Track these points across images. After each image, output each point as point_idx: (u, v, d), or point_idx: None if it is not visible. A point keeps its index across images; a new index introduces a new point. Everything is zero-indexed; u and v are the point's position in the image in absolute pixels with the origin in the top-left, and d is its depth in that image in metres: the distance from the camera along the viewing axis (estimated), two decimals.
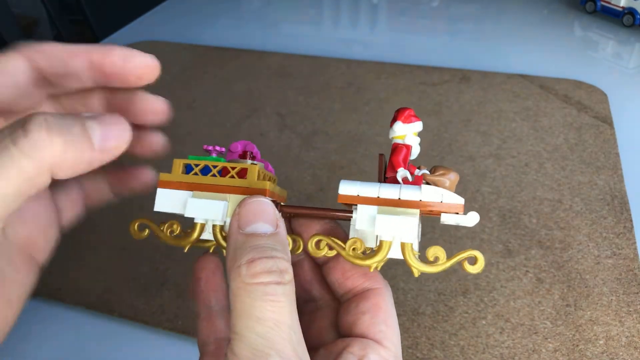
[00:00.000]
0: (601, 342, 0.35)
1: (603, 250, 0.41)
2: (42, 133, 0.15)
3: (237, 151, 0.25)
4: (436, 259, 0.21)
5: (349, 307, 0.23)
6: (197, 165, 0.23)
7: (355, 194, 0.22)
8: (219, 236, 0.22)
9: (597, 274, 0.39)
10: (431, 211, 0.22)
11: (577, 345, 0.35)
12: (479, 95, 0.63)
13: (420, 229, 0.23)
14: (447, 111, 0.60)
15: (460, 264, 0.21)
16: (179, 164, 0.24)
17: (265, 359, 0.16)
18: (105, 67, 0.21)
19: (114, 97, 0.23)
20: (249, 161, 0.24)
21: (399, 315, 0.37)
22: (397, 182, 0.23)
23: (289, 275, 0.18)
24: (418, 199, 0.22)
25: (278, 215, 0.20)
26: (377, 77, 0.67)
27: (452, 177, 0.23)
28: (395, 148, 0.23)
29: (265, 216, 0.20)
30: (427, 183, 0.22)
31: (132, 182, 0.26)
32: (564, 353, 0.34)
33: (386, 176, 0.23)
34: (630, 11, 0.78)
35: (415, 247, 0.22)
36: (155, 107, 0.24)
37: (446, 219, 0.21)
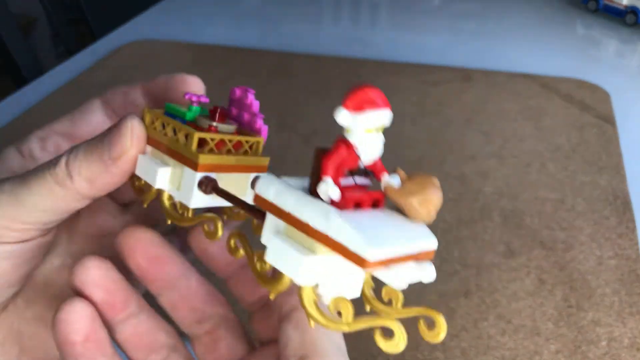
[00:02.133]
0: (603, 343, 0.34)
1: (605, 251, 0.41)
2: (62, 166, 0.19)
3: (234, 97, 0.20)
4: (339, 313, 0.16)
5: (267, 316, 0.21)
6: (212, 140, 0.20)
7: (270, 199, 0.16)
8: (165, 204, 0.19)
9: (599, 274, 0.39)
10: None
11: (580, 347, 0.34)
12: (481, 94, 0.62)
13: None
14: (449, 110, 0.59)
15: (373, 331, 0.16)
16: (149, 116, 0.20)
17: None
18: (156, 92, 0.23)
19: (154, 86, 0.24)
20: (216, 123, 0.20)
21: None
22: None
23: None
24: (324, 231, 0.15)
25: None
26: (377, 76, 0.66)
27: (429, 197, 0.16)
28: (333, 146, 0.16)
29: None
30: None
31: None
32: (566, 354, 0.34)
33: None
34: (633, 10, 0.77)
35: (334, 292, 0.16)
36: (195, 87, 0.24)
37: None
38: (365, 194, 0.16)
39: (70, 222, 0.23)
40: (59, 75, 0.71)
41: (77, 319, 0.18)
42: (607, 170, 0.49)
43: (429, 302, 0.37)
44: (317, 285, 0.16)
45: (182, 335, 0.22)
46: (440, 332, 0.15)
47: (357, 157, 0.16)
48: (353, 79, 0.66)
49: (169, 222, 0.20)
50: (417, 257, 0.16)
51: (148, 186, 0.20)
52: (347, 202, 0.15)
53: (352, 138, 0.16)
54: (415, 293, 0.38)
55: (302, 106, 0.61)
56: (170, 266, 0.21)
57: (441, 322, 0.16)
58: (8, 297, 0.21)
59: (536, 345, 0.34)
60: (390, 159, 0.56)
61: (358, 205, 0.16)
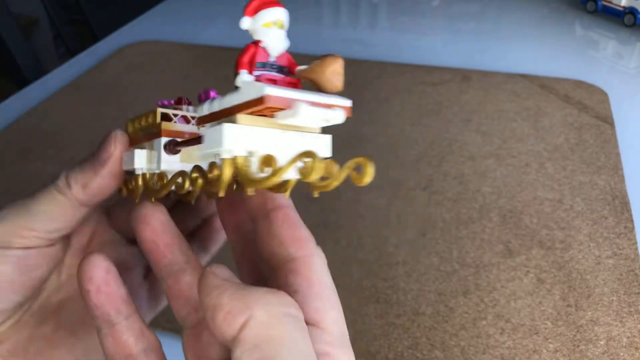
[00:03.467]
0: (602, 342, 0.35)
1: (604, 251, 0.41)
2: (62, 179, 0.22)
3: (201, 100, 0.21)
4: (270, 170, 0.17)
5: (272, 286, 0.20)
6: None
7: (205, 113, 0.19)
8: (144, 183, 0.21)
9: (597, 274, 0.39)
10: (262, 112, 0.17)
11: (578, 346, 0.34)
12: (480, 95, 0.62)
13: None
14: (448, 111, 0.60)
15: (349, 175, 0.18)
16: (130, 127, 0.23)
17: None
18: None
19: None
20: (185, 107, 0.22)
21: (398, 316, 0.37)
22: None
23: None
24: (238, 100, 0.17)
25: None
26: (377, 76, 0.67)
27: (331, 66, 0.17)
28: (243, 48, 0.19)
29: (226, 273, 0.19)
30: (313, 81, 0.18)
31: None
32: (565, 353, 0.34)
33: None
34: (631, 11, 0.78)
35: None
36: None
37: (282, 117, 0.17)
38: (280, 78, 0.18)
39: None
40: (60, 76, 0.71)
41: (91, 269, 0.20)
42: (606, 170, 0.49)
43: (428, 300, 0.38)
44: (248, 157, 0.17)
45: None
46: (365, 175, 0.17)
47: (266, 52, 0.18)
48: (353, 79, 0.66)
49: (152, 199, 0.21)
50: (329, 106, 0.18)
51: (135, 182, 0.22)
52: (263, 81, 0.17)
53: (257, 36, 0.19)
54: (415, 293, 0.38)
55: None
56: (178, 249, 0.21)
57: (368, 166, 0.17)
58: (13, 305, 0.22)
59: (535, 345, 0.35)
60: (390, 159, 0.57)
61: (274, 82, 0.18)
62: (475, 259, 0.41)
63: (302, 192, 0.53)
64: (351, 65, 0.70)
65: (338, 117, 0.18)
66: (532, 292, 0.38)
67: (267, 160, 0.17)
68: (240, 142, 0.17)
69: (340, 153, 0.60)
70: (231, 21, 0.88)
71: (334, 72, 0.18)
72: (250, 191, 0.17)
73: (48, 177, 0.54)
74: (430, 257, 0.41)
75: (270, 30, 0.19)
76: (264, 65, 0.18)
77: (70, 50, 0.98)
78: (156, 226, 0.21)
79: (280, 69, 0.19)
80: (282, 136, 0.18)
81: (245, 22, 0.19)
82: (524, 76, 0.66)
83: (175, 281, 0.21)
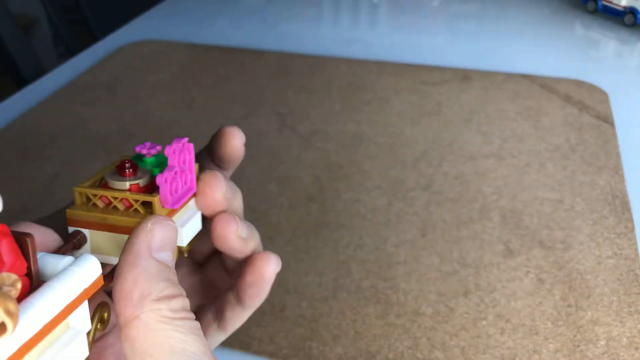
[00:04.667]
0: (602, 342, 0.35)
1: (604, 251, 0.41)
2: None
3: (172, 163, 0.20)
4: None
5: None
6: (95, 196, 0.19)
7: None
8: None
9: (598, 274, 0.39)
10: None
11: (578, 346, 0.34)
12: (480, 94, 0.62)
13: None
14: (448, 111, 0.59)
15: None
16: (78, 194, 0.20)
17: None
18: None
19: None
20: (110, 179, 0.20)
21: (399, 316, 0.37)
22: None
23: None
24: None
25: None
26: (377, 76, 0.67)
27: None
28: None
29: (172, 245, 0.18)
30: None
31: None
32: (565, 354, 0.34)
33: None
34: (632, 10, 0.78)
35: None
36: (234, 138, 0.25)
37: None
38: None
39: None
40: (59, 76, 0.71)
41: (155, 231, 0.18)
42: (606, 170, 0.49)
43: (428, 300, 0.38)
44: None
45: None
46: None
47: None
48: (353, 79, 0.66)
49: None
50: None
51: None
52: None
53: None
54: (415, 293, 0.38)
55: (302, 106, 0.61)
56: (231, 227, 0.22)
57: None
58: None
59: (535, 345, 0.35)
60: (390, 159, 0.57)
61: None
62: (475, 259, 0.41)
63: (302, 192, 0.53)
64: (351, 65, 0.69)
65: None
66: (533, 292, 0.38)
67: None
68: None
69: (340, 153, 0.60)
70: (231, 21, 0.88)
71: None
72: None
73: (47, 177, 0.54)
74: (431, 258, 0.41)
75: None
76: None
77: (70, 50, 0.97)
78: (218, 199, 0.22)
79: None
80: None
81: None
82: (524, 76, 0.66)
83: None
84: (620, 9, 0.79)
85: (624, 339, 0.35)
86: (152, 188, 0.20)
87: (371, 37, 0.82)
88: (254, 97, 0.64)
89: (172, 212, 0.20)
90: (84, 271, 0.15)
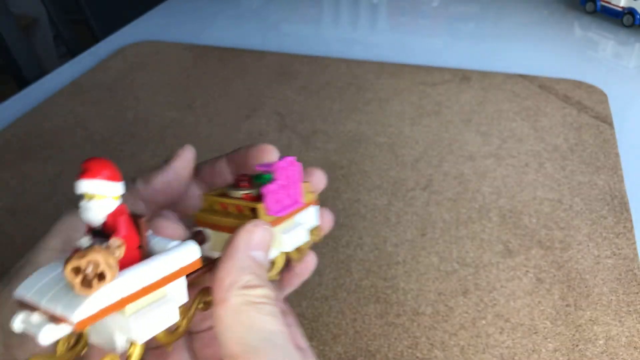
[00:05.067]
0: (601, 342, 0.35)
1: (603, 250, 0.41)
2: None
3: (278, 177, 0.23)
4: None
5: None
6: (215, 202, 0.24)
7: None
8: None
9: (597, 274, 0.39)
10: None
11: (577, 345, 0.35)
12: (479, 95, 0.63)
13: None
14: (447, 111, 0.60)
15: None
16: (204, 200, 0.24)
17: None
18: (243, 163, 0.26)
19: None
20: (229, 190, 0.23)
21: (398, 315, 0.37)
22: None
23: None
24: None
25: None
26: (377, 77, 0.67)
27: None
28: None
29: (266, 247, 0.21)
30: None
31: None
32: (564, 353, 0.34)
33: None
34: (630, 11, 0.78)
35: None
36: (270, 154, 0.27)
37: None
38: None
39: None
40: (60, 76, 0.71)
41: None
42: (605, 170, 0.49)
43: (428, 300, 0.38)
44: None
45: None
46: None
47: (86, 222, 0.18)
48: (353, 79, 0.66)
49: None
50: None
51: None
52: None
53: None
54: (415, 293, 0.38)
55: (302, 106, 0.61)
56: None
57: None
58: None
59: (534, 344, 0.35)
60: (390, 159, 0.57)
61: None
62: (474, 258, 0.41)
63: None
64: (351, 66, 0.70)
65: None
66: (532, 292, 0.38)
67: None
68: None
69: (340, 153, 0.60)
70: (231, 22, 0.88)
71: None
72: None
73: (48, 177, 0.54)
74: (430, 257, 0.41)
75: (84, 203, 0.18)
76: (95, 234, 0.18)
77: (71, 51, 0.98)
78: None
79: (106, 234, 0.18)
80: None
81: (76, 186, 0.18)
82: (523, 76, 0.66)
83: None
84: (619, 9, 0.79)
85: (623, 339, 0.35)
86: (261, 199, 0.23)
87: (371, 37, 0.82)
88: (254, 97, 0.64)
89: (277, 221, 0.22)
90: (184, 253, 0.19)
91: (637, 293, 0.38)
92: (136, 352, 0.18)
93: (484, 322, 0.36)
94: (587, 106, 0.59)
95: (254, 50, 0.75)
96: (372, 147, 0.54)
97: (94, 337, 0.19)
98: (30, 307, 0.17)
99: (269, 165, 0.23)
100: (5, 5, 0.80)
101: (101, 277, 0.16)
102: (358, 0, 0.95)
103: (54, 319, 0.16)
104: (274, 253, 0.23)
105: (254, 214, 0.22)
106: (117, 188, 0.18)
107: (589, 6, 0.85)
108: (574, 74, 0.66)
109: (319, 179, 0.26)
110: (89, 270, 0.16)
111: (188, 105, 0.62)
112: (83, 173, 0.18)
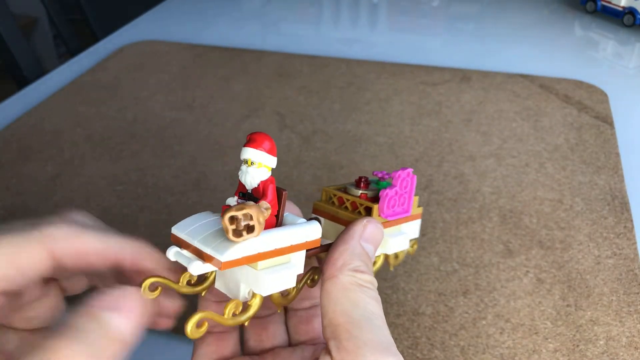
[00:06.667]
0: (602, 342, 0.35)
1: (603, 251, 0.41)
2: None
3: (395, 184, 0.25)
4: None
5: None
6: (334, 195, 0.26)
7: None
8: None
9: (597, 274, 0.39)
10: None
11: (578, 346, 0.35)
12: (480, 95, 0.63)
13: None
14: (448, 111, 0.60)
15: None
16: (324, 192, 0.27)
17: (380, 338, 0.19)
18: (130, 269, 0.24)
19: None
20: (349, 188, 0.26)
21: (398, 315, 0.37)
22: None
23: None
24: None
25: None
26: (377, 77, 0.67)
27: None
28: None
29: (377, 244, 0.23)
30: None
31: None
32: (565, 353, 0.34)
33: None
34: (631, 11, 0.78)
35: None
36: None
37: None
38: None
39: None
40: (60, 76, 0.71)
41: None
42: (605, 170, 0.49)
43: (428, 300, 0.38)
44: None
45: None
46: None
47: (242, 184, 0.22)
48: (353, 79, 0.66)
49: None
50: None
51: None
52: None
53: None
54: (415, 293, 0.38)
55: (302, 106, 0.61)
56: None
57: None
58: None
59: (534, 344, 0.35)
60: (390, 159, 0.57)
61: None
62: (475, 259, 0.41)
63: (302, 191, 0.53)
64: (351, 65, 0.70)
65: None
66: (532, 292, 0.38)
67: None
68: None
69: (340, 153, 0.60)
70: (231, 21, 0.88)
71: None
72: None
73: (48, 177, 0.54)
74: (430, 257, 0.41)
75: (243, 167, 0.21)
76: (243, 195, 0.22)
77: (71, 50, 0.98)
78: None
79: (252, 197, 0.22)
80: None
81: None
82: (523, 76, 0.66)
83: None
84: (620, 9, 0.79)
85: (624, 339, 0.35)
86: (376, 201, 0.25)
87: (371, 37, 0.82)
88: (254, 97, 0.64)
89: (387, 224, 0.25)
90: (309, 229, 0.22)
91: (638, 293, 0.38)
92: (256, 303, 0.21)
93: (484, 322, 0.36)
94: (588, 106, 0.59)
95: (254, 50, 0.75)
96: (372, 147, 0.54)
97: (219, 283, 0.22)
98: (182, 244, 0.20)
99: (389, 173, 0.26)
100: (5, 5, 0.80)
101: (250, 229, 0.19)
102: (358, 0, 0.95)
103: (202, 257, 0.20)
104: (377, 252, 0.25)
105: (367, 213, 0.25)
106: (273, 161, 0.21)
107: (590, 6, 0.85)
108: (575, 74, 0.66)
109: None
110: (242, 222, 0.19)
111: (188, 105, 0.62)
112: (249, 142, 0.21)
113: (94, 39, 0.99)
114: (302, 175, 0.50)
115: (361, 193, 0.25)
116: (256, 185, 0.21)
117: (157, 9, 0.94)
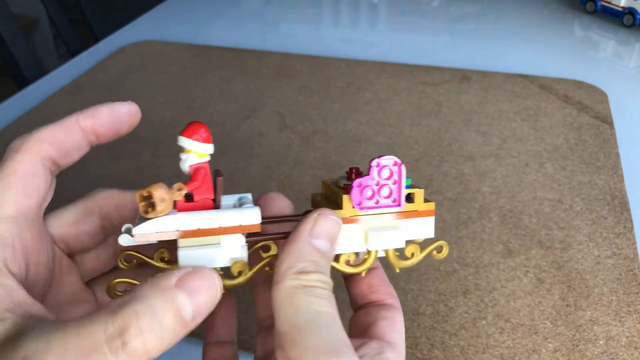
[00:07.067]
0: (601, 342, 0.35)
1: (603, 250, 0.41)
2: (138, 344, 0.17)
3: (371, 173, 0.24)
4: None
5: (368, 312, 0.25)
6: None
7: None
8: None
9: (597, 274, 0.39)
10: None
11: (577, 346, 0.35)
12: (479, 95, 0.63)
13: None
14: (447, 111, 0.60)
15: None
16: (322, 185, 0.26)
17: (329, 343, 0.19)
18: (98, 131, 0.25)
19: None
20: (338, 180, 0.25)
21: None
22: None
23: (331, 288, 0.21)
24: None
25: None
26: (377, 77, 0.67)
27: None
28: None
29: (333, 237, 0.22)
30: None
31: None
32: (564, 353, 0.34)
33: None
34: (631, 11, 0.78)
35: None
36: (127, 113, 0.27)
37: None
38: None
39: None
40: (60, 76, 0.71)
41: None
42: (605, 170, 0.49)
43: (428, 300, 0.38)
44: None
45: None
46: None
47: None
48: (353, 79, 0.66)
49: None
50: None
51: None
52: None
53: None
54: (415, 293, 0.38)
55: (302, 106, 0.61)
56: None
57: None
58: None
59: (534, 344, 0.35)
60: None
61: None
62: (475, 258, 0.41)
63: (302, 191, 0.53)
64: (351, 65, 0.70)
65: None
66: (532, 292, 0.38)
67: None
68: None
69: (340, 153, 0.60)
70: (231, 21, 0.88)
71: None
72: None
73: None
74: (430, 257, 0.41)
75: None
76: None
77: (71, 50, 0.98)
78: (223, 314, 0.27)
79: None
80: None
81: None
82: (523, 76, 0.66)
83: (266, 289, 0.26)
84: (619, 9, 0.79)
85: (623, 339, 0.35)
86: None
87: (371, 37, 0.82)
88: (254, 97, 0.64)
89: (363, 217, 0.23)
90: (244, 214, 0.22)
91: (638, 293, 0.38)
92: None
93: (484, 322, 0.36)
94: (588, 106, 0.59)
95: (254, 50, 0.75)
96: (372, 147, 0.54)
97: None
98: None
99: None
100: (5, 5, 0.80)
101: (152, 207, 0.20)
102: (358, 0, 0.95)
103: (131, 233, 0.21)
104: (362, 249, 0.24)
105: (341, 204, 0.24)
106: (202, 147, 0.21)
107: (589, 6, 0.85)
108: (574, 74, 0.66)
109: (281, 205, 0.26)
110: (153, 200, 0.20)
111: (188, 105, 0.62)
112: (182, 131, 0.22)
113: (94, 39, 0.99)
114: (302, 175, 0.50)
115: (344, 184, 0.24)
116: (187, 170, 0.22)
117: (157, 9, 0.94)
